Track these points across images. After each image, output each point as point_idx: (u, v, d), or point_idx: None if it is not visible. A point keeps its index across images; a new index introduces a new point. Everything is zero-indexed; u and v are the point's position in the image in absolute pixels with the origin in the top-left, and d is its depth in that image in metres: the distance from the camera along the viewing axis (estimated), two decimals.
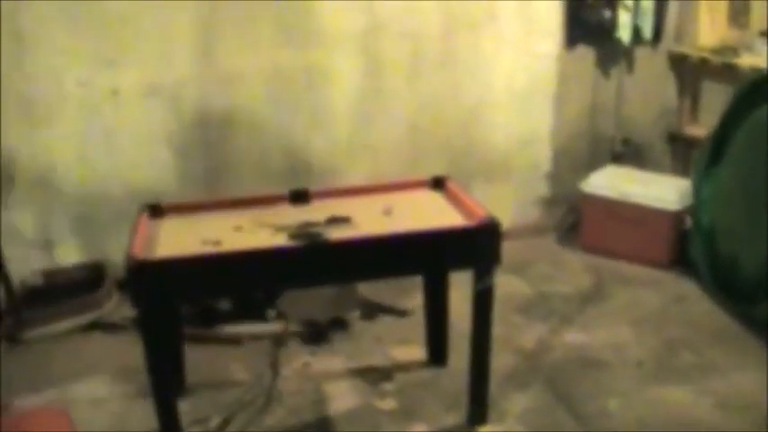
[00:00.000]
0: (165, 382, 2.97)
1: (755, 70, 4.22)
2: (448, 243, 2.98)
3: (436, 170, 3.64)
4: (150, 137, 4.26)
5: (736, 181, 4.14)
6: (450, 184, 3.41)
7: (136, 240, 2.90)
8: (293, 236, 2.93)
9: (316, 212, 3.18)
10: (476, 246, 2.97)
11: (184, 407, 3.29)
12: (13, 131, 4.01)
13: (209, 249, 2.88)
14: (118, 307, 4.08)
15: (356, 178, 4.48)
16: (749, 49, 4.62)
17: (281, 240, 2.92)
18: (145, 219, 3.19)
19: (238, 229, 3.07)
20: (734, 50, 4.59)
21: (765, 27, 4.63)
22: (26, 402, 3.46)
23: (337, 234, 2.95)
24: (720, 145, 4.24)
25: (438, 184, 3.46)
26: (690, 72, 4.86)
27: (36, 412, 3.34)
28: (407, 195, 3.41)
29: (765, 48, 4.49)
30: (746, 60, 4.48)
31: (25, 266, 4.13)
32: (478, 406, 3.21)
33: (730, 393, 3.42)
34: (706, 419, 3.27)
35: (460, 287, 3.12)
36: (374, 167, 4.63)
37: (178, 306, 3.58)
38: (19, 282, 4.10)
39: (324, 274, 2.93)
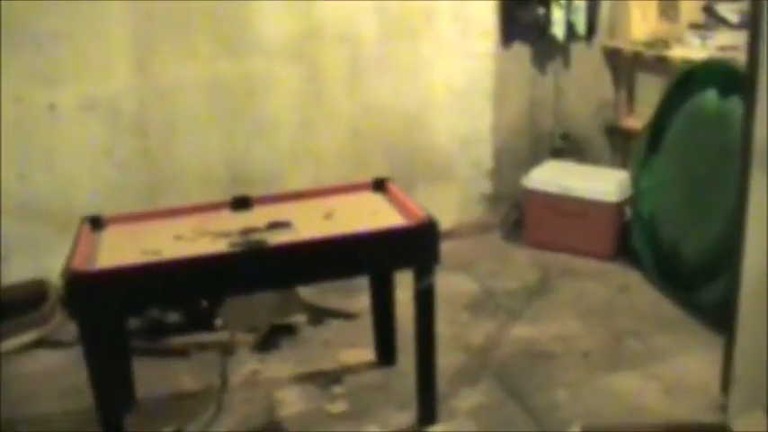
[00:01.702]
0: (110, 397, 2.94)
1: (686, 62, 4.30)
2: (386, 244, 2.99)
3: (380, 173, 3.64)
4: (90, 151, 4.24)
5: (674, 169, 4.22)
6: (391, 186, 3.42)
7: (76, 253, 2.87)
8: (233, 242, 2.93)
9: (257, 218, 3.17)
10: (414, 245, 2.98)
11: (134, 422, 3.26)
12: None
13: (147, 259, 2.86)
14: (63, 324, 4.03)
15: (299, 185, 4.44)
16: (680, 41, 4.70)
17: (220, 247, 2.91)
18: (86, 231, 3.15)
19: (179, 237, 3.06)
20: (665, 43, 4.67)
21: (694, 20, 4.72)
22: None
23: (277, 239, 2.95)
24: (657, 135, 4.32)
25: (379, 186, 3.47)
26: (624, 65, 4.93)
27: None
28: (349, 198, 3.42)
29: (695, 40, 4.58)
30: (677, 52, 4.55)
31: None
32: (427, 405, 3.21)
33: (676, 378, 3.47)
34: (655, 405, 3.32)
35: (407, 287, 3.12)
36: (317, 173, 4.64)
37: (123, 320, 3.54)
38: None
39: (264, 279, 2.93)
